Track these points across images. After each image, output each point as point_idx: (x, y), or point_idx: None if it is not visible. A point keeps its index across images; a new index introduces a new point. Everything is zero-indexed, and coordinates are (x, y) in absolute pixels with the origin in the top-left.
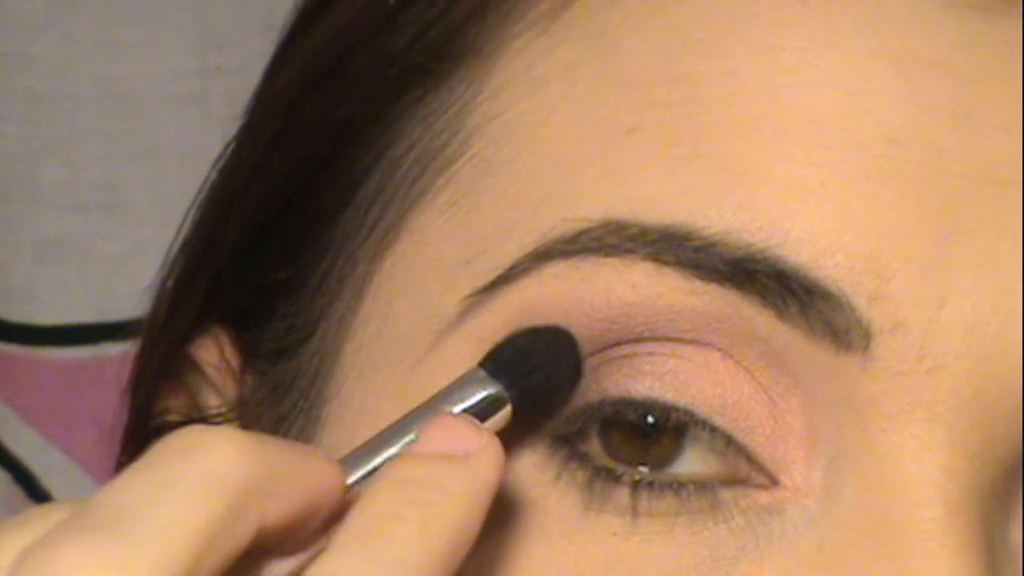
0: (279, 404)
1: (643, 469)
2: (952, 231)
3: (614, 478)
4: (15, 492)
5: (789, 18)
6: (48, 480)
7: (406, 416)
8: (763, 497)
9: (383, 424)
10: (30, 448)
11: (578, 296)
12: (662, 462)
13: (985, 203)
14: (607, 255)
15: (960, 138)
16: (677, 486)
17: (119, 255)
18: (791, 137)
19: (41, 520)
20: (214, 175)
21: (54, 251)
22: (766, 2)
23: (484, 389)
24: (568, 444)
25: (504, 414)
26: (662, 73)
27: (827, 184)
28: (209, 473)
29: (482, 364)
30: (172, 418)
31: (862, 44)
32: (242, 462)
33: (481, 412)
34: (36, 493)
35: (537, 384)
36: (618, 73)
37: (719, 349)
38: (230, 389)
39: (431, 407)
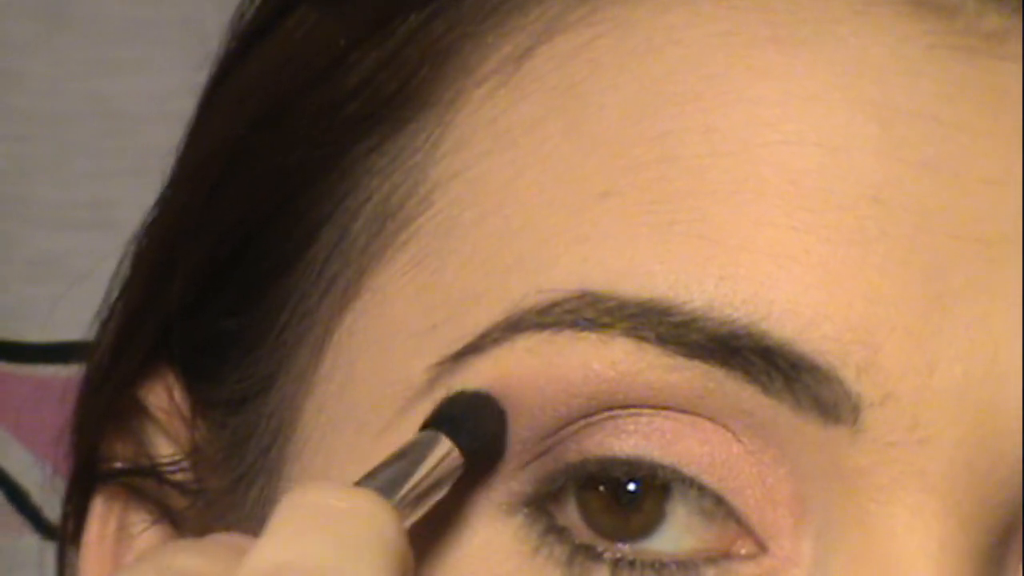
0: (238, 462)
1: (623, 547)
2: (940, 294)
3: (594, 556)
4: (7, 510)
5: (765, 67)
6: (39, 497)
7: (364, 479)
8: (750, 570)
9: None
10: (21, 465)
11: (554, 372)
12: (644, 531)
13: (973, 263)
14: (583, 329)
15: (945, 195)
16: (659, 566)
17: (110, 273)
18: (772, 200)
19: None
20: (153, 213)
21: (45, 269)
22: (740, 50)
23: (435, 444)
24: (546, 514)
25: (457, 467)
26: (635, 132)
27: (811, 250)
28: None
29: (427, 425)
30: (120, 464)
31: (842, 95)
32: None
33: (437, 466)
34: (27, 510)
35: (483, 431)
36: (588, 131)
37: (704, 416)
38: (181, 434)
39: (388, 468)
